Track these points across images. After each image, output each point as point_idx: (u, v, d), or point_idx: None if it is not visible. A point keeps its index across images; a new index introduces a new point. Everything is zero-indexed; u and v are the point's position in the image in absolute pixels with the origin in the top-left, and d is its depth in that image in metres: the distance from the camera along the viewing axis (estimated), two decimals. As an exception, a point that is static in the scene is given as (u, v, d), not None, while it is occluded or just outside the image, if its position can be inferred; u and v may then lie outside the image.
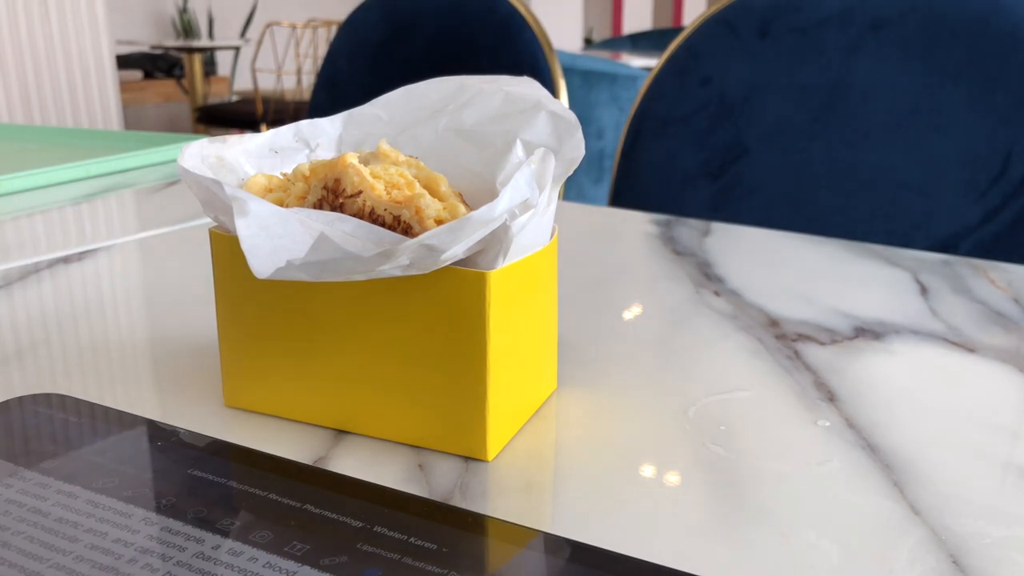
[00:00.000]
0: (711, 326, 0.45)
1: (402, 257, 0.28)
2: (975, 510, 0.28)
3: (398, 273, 0.29)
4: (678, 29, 4.93)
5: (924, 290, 0.51)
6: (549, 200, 0.32)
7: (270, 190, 0.33)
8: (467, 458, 0.31)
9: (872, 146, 0.80)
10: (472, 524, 0.26)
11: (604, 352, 0.41)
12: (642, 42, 4.50)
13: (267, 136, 0.37)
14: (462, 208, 0.31)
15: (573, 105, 1.92)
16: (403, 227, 0.30)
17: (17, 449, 0.29)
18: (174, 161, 0.89)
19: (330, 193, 0.31)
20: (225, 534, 0.25)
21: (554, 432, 0.33)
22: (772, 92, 0.84)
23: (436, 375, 0.31)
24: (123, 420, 0.32)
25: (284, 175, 0.34)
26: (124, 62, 4.58)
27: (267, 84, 4.21)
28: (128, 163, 0.85)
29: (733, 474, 0.30)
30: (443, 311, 0.30)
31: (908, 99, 0.78)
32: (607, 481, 0.30)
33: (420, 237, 0.27)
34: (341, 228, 0.28)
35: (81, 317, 0.45)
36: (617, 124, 2.30)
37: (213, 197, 0.31)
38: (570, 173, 0.33)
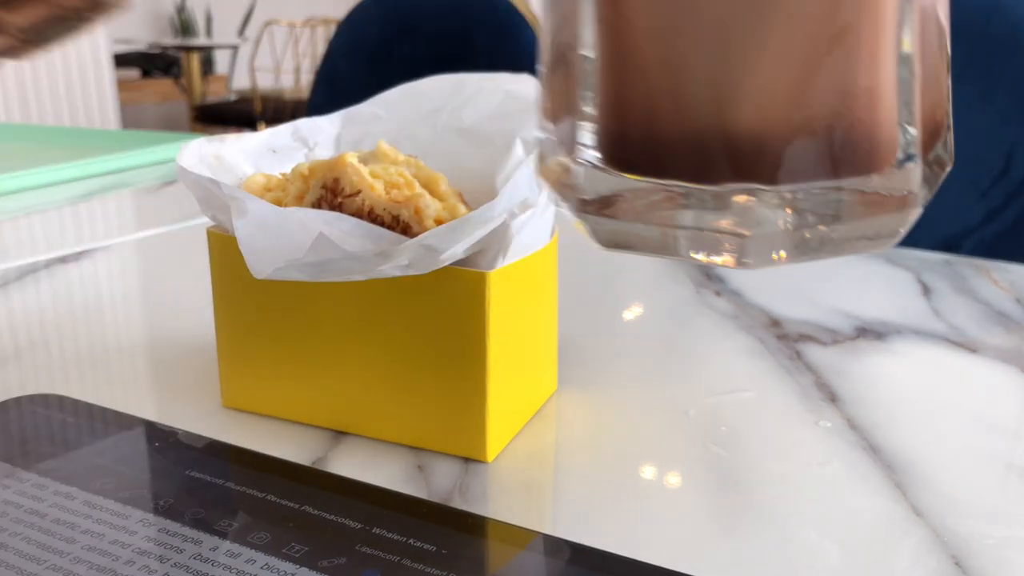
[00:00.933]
0: (712, 326, 0.44)
1: (401, 257, 0.27)
2: (977, 511, 0.28)
3: (397, 273, 0.28)
4: (677, 28, 4.91)
5: (926, 290, 0.51)
6: (549, 199, 0.32)
7: (269, 189, 0.33)
8: (467, 459, 0.31)
9: (872, 145, 0.79)
10: (472, 525, 0.26)
11: (604, 352, 0.41)
12: (641, 41, 4.50)
13: (265, 135, 0.37)
14: (462, 208, 0.31)
15: (572, 104, 1.91)
16: (402, 227, 0.30)
17: (15, 450, 0.29)
18: (172, 160, 0.88)
19: (329, 192, 0.31)
20: (223, 535, 0.24)
21: (554, 432, 0.33)
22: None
23: (436, 375, 0.30)
24: (121, 421, 0.32)
25: (283, 174, 0.34)
26: (121, 61, 4.57)
27: (265, 83, 4.21)
28: (126, 162, 0.84)
29: (734, 475, 0.30)
30: (443, 311, 0.30)
31: (908, 98, 0.78)
32: (607, 482, 0.30)
33: (419, 237, 0.27)
34: (340, 228, 0.28)
35: (79, 317, 0.45)
36: (616, 123, 2.29)
37: (211, 196, 0.30)
38: (570, 172, 0.32)
